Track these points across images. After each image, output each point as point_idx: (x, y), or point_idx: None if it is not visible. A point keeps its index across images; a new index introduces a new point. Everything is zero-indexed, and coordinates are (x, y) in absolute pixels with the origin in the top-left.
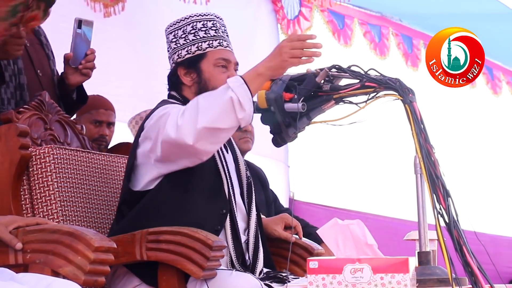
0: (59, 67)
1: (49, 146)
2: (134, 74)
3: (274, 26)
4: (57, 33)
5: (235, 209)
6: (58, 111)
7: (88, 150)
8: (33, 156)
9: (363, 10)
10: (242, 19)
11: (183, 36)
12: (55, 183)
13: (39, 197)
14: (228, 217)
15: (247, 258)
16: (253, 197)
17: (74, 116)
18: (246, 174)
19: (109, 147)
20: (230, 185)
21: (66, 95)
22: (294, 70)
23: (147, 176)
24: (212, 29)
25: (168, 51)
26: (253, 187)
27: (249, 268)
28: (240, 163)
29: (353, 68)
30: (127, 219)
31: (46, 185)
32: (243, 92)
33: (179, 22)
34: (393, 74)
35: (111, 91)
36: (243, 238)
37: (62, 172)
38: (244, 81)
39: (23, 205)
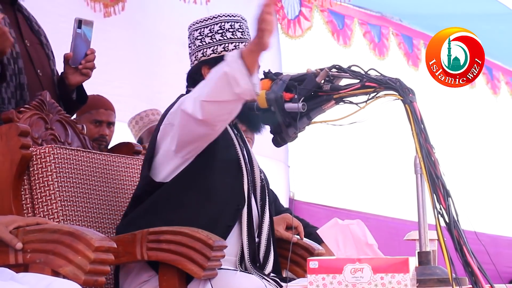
0: (59, 67)
1: (49, 145)
2: (134, 74)
3: (274, 26)
4: (57, 33)
5: (252, 207)
6: (59, 111)
7: (89, 150)
8: (34, 156)
9: (363, 10)
10: None
11: (210, 34)
12: (56, 182)
13: (39, 197)
14: (246, 213)
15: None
16: (267, 200)
17: (74, 116)
18: (260, 176)
19: (109, 147)
20: (250, 182)
21: (66, 95)
22: (294, 70)
23: (169, 166)
24: (239, 31)
25: (191, 47)
26: (267, 191)
27: (259, 268)
28: (254, 166)
29: (353, 68)
30: (144, 206)
31: (46, 185)
32: (236, 67)
33: (206, 20)
34: (394, 74)
35: (111, 91)
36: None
37: (62, 171)
38: (241, 55)
39: (24, 205)
